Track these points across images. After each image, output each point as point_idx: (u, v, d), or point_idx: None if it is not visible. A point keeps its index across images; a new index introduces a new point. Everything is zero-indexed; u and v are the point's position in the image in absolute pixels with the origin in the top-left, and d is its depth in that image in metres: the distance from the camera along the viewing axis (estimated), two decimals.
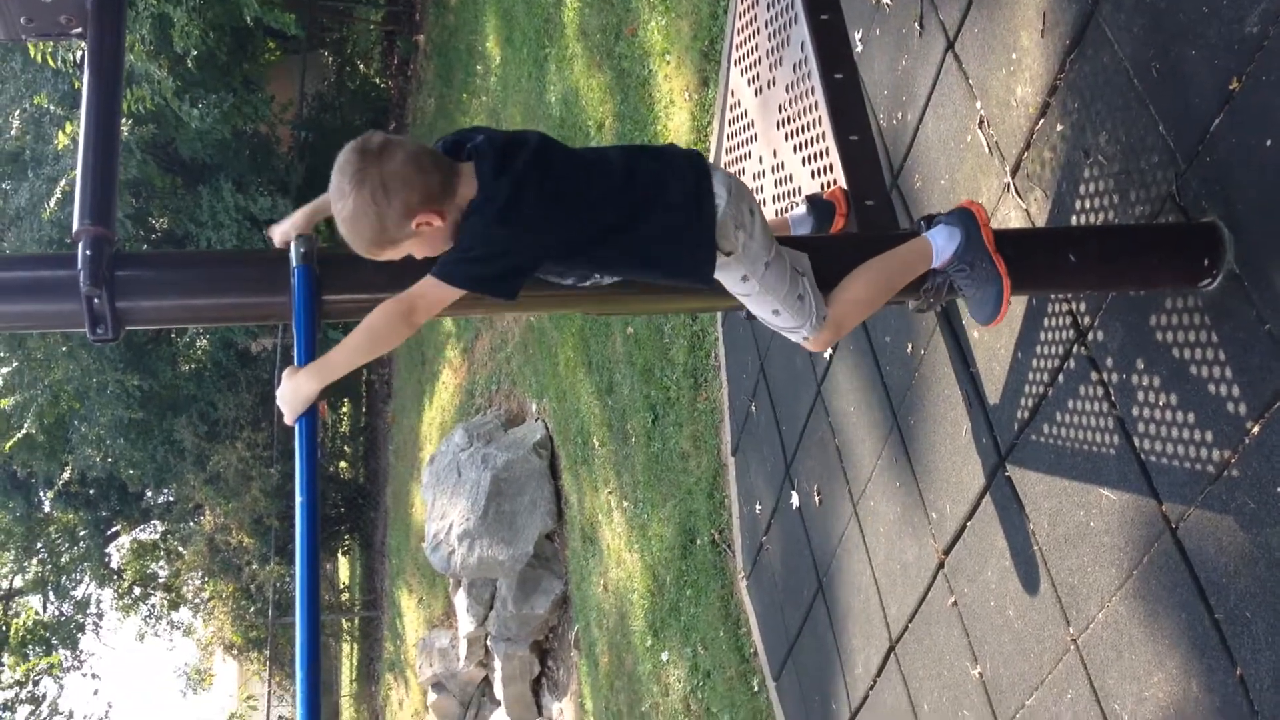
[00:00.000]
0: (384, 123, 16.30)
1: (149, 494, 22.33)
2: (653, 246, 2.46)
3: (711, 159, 3.79)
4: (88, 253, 1.98)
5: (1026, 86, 3.14)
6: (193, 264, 2.36)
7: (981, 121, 3.36)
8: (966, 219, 2.62)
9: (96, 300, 2.01)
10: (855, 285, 2.63)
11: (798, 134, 3.07)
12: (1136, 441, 2.78)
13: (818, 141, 2.95)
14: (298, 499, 2.13)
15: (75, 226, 2.02)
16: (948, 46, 3.54)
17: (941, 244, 2.64)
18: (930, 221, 2.73)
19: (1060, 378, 3.08)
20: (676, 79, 6.46)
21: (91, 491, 22.30)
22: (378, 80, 16.81)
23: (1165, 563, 2.70)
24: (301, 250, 2.14)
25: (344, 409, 20.56)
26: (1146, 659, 2.79)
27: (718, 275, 2.54)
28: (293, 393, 2.24)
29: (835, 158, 2.81)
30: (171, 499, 21.06)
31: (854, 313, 2.72)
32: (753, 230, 2.51)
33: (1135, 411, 2.77)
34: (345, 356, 2.32)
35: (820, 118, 2.89)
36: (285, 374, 2.27)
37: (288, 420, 2.26)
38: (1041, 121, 3.08)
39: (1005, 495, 3.40)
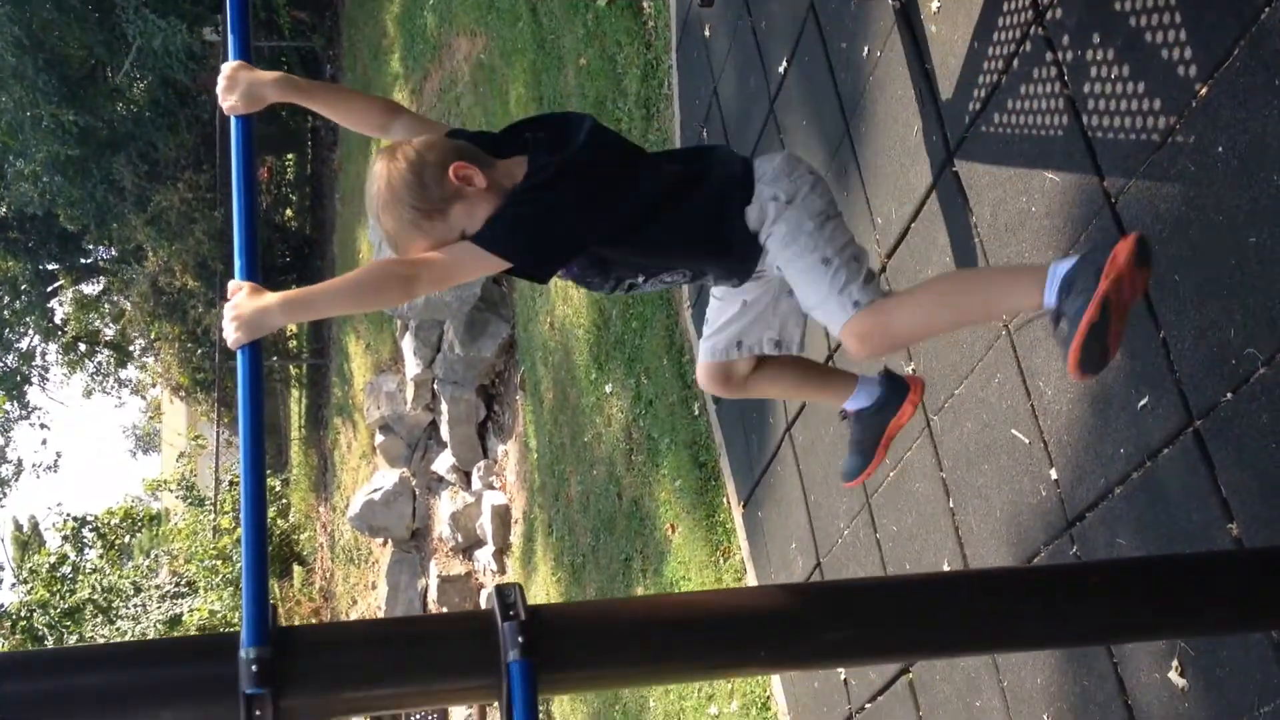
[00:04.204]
0: None
1: (90, 245, 22.00)
2: (690, 229, 2.39)
3: None
4: None
5: None
6: None
7: None
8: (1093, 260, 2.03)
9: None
10: (915, 308, 2.32)
11: None
12: (1085, 119, 2.78)
13: None
14: (241, 433, 2.02)
15: None
16: None
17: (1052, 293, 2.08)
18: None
19: (1015, 63, 3.05)
20: None
21: (31, 241, 21.91)
22: None
23: (1101, 238, 2.74)
24: None
25: (289, 157, 20.11)
26: None
27: (770, 228, 2.39)
28: (256, 316, 2.01)
29: None
30: (113, 252, 20.73)
31: (897, 336, 2.37)
32: (813, 185, 2.40)
33: (1087, 88, 2.76)
34: (325, 300, 2.18)
35: None
36: (247, 288, 2.04)
37: (232, 344, 2.02)
38: None
39: (951, 191, 3.41)
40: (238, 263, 2.11)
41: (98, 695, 1.78)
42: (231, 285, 2.09)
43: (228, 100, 2.22)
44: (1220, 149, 2.35)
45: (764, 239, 2.38)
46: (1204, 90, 2.39)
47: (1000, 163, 3.17)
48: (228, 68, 2.26)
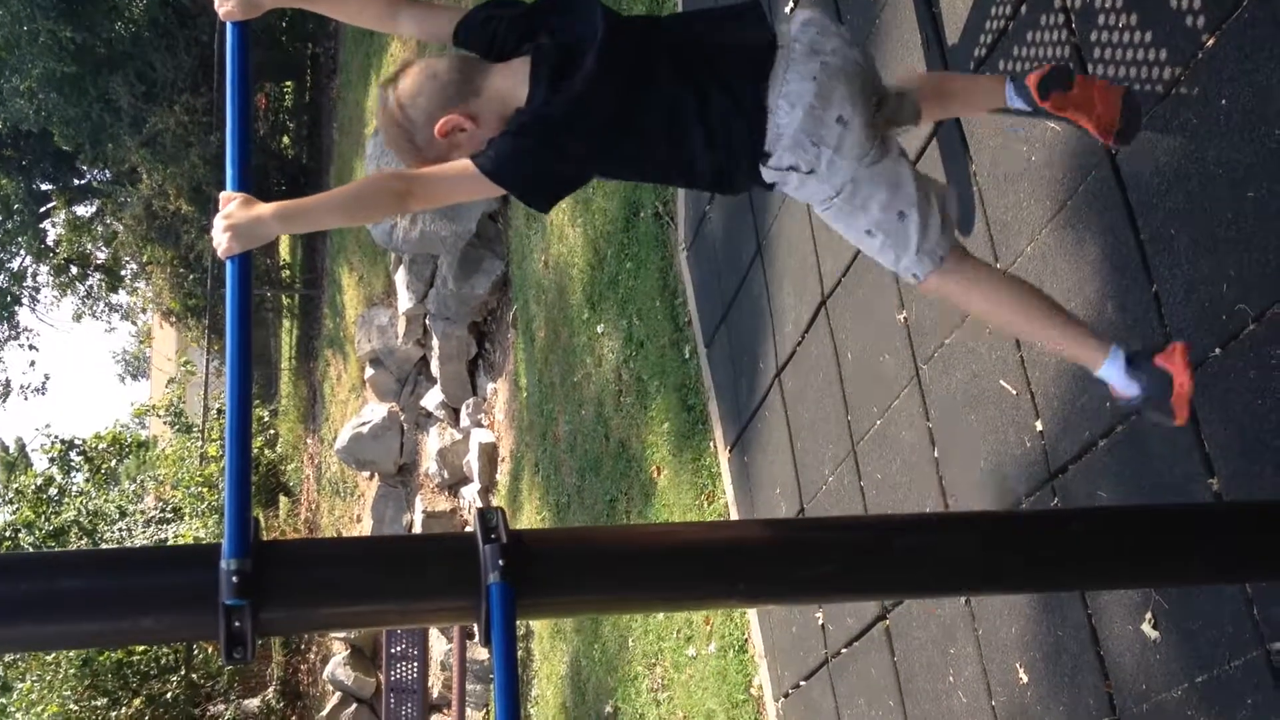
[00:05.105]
0: None
1: (84, 167, 21.82)
2: (696, 165, 2.27)
3: None
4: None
5: None
6: None
7: None
8: (1159, 387, 2.23)
9: None
10: (992, 301, 2.35)
11: None
12: (1090, 68, 2.76)
13: None
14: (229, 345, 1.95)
15: None
16: None
17: (1117, 384, 2.31)
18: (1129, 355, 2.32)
19: (1023, 8, 3.02)
20: None
21: (25, 160, 21.73)
22: None
23: (1100, 189, 2.73)
24: None
25: (287, 85, 19.91)
26: (1067, 287, 2.87)
27: (789, 191, 2.29)
28: (249, 225, 1.98)
29: None
30: (107, 175, 20.56)
31: (963, 305, 2.49)
32: (840, 143, 2.18)
33: (1094, 36, 2.73)
34: (319, 212, 2.17)
35: None
36: (240, 198, 2.01)
37: (222, 254, 1.99)
38: None
39: (952, 138, 3.39)
40: (229, 173, 2.08)
41: (78, 599, 1.78)
42: (223, 196, 2.07)
43: (224, 6, 2.19)
44: (1223, 102, 2.34)
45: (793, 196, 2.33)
46: (1210, 42, 2.36)
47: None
48: None
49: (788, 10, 4.58)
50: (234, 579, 1.75)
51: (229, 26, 2.21)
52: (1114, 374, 2.31)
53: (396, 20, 2.38)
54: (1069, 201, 2.85)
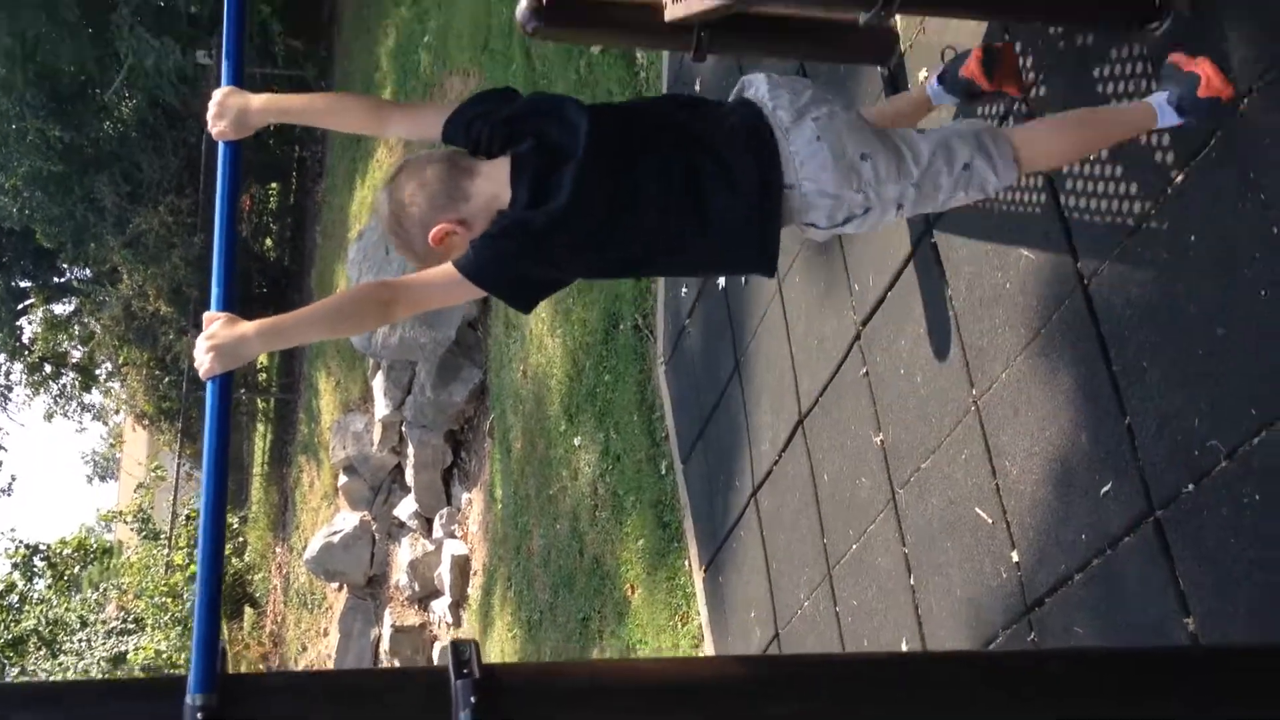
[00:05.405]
0: None
1: (65, 265, 21.85)
2: (704, 264, 2.47)
3: None
4: None
5: None
6: None
7: None
8: (1209, 107, 2.27)
9: None
10: (1058, 137, 2.47)
11: None
12: (1062, 199, 2.81)
13: None
14: (205, 465, 1.93)
15: None
16: None
17: (1176, 122, 2.35)
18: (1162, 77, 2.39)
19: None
20: None
21: (4, 257, 21.76)
22: None
23: (1073, 319, 2.76)
24: None
25: (273, 186, 20.08)
26: (1041, 415, 2.88)
27: (850, 230, 2.36)
28: (232, 346, 1.99)
29: None
30: (87, 273, 20.59)
31: (1048, 161, 2.60)
32: (876, 174, 2.23)
33: (1065, 168, 2.79)
34: (304, 327, 2.20)
35: None
36: (224, 318, 2.03)
37: (204, 374, 1.99)
38: None
39: (928, 261, 3.43)
40: (214, 293, 2.09)
41: None
42: (206, 316, 2.08)
43: (217, 126, 2.22)
44: (1193, 238, 2.38)
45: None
46: (1180, 178, 2.41)
47: (978, 237, 3.20)
48: (219, 94, 2.26)
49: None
50: (199, 715, 1.70)
51: (221, 145, 2.24)
52: (1171, 119, 2.34)
53: (385, 126, 2.44)
54: (1043, 330, 2.88)
